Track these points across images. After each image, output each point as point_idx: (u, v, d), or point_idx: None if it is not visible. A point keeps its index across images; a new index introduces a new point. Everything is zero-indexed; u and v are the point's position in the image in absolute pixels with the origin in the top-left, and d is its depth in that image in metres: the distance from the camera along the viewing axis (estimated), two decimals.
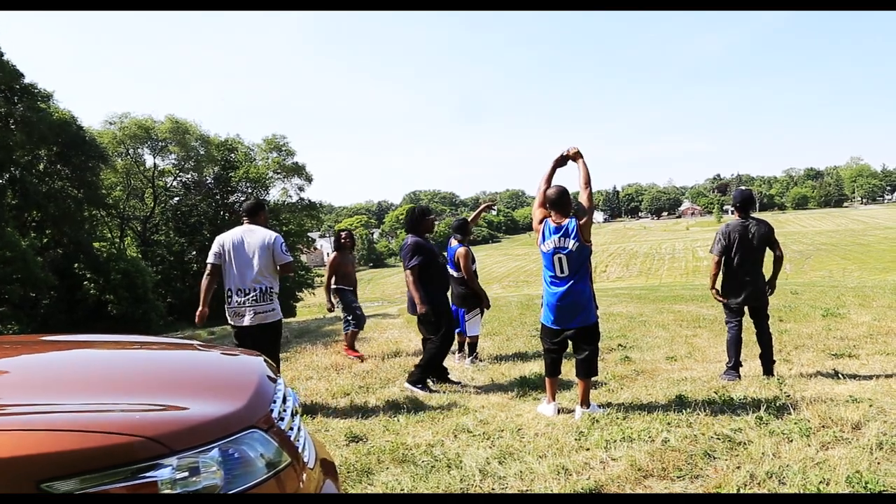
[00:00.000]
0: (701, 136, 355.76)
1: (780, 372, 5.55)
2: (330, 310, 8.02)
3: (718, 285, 5.64)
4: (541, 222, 4.58)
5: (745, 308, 5.52)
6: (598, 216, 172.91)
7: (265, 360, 2.41)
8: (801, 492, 3.02)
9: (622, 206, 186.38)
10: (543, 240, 4.51)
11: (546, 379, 4.74)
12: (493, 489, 3.30)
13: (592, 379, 4.83)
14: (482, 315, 6.97)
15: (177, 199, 40.86)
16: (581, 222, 4.42)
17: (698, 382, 5.31)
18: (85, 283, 26.90)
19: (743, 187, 5.70)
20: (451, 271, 6.98)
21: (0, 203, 22.32)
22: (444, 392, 5.46)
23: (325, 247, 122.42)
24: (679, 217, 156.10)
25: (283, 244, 5.05)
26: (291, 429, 2.03)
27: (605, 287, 28.08)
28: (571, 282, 4.44)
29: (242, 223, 5.15)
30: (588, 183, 4.56)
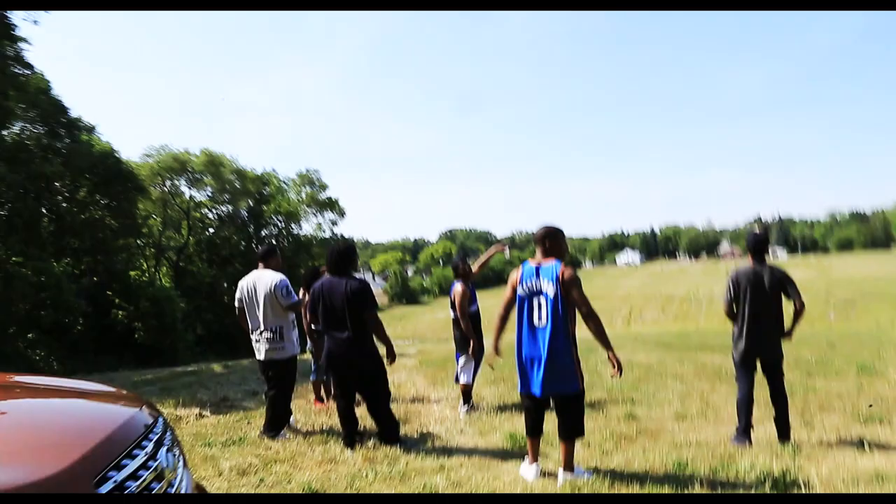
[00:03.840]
0: (742, 176, 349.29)
1: (799, 438, 5.00)
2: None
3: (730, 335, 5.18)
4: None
5: (757, 363, 5.02)
6: (635, 257, 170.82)
7: (143, 411, 2.11)
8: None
9: (659, 247, 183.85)
10: (521, 282, 4.12)
11: (527, 438, 4.31)
12: None
13: (584, 438, 4.41)
14: (479, 362, 6.55)
15: (211, 230, 41.48)
16: (570, 277, 3.97)
17: (704, 447, 4.79)
18: (114, 310, 27.19)
19: (756, 230, 5.23)
20: (451, 313, 6.66)
21: (37, 230, 22.77)
22: (425, 447, 5.05)
23: None
24: (719, 259, 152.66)
25: (285, 288, 5.48)
26: (149, 489, 1.73)
27: (636, 332, 27.26)
28: (550, 336, 3.93)
29: (258, 266, 5.67)
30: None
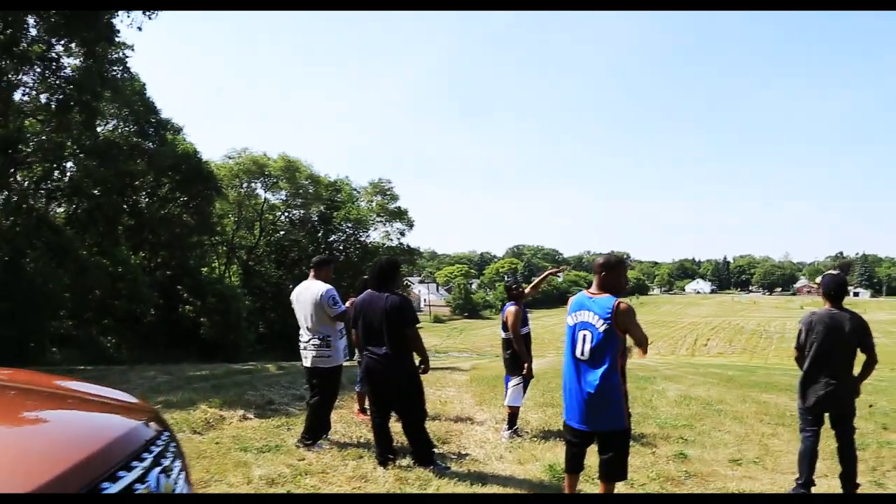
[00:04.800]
0: (824, 209, 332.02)
1: None
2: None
3: (797, 383, 4.80)
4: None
5: (825, 416, 4.63)
6: (705, 286, 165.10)
7: (145, 425, 2.02)
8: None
9: (732, 277, 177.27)
10: (570, 311, 3.94)
11: (565, 474, 4.10)
12: None
13: (627, 479, 4.15)
14: (526, 384, 6.37)
15: (282, 233, 42.56)
16: (625, 311, 3.72)
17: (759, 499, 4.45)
18: (183, 304, 28.19)
19: (834, 271, 4.84)
20: (501, 333, 6.56)
21: (115, 225, 23.85)
22: (460, 471, 4.89)
23: (424, 292, 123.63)
24: (794, 294, 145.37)
25: (331, 298, 5.50)
26: None
27: (699, 362, 26.19)
28: (596, 370, 3.74)
29: (309, 276, 5.74)
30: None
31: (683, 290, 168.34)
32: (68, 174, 24.00)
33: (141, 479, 1.77)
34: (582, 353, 3.81)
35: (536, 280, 7.17)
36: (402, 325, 4.77)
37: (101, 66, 19.09)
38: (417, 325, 4.95)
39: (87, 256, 22.58)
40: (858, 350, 4.51)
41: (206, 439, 5.72)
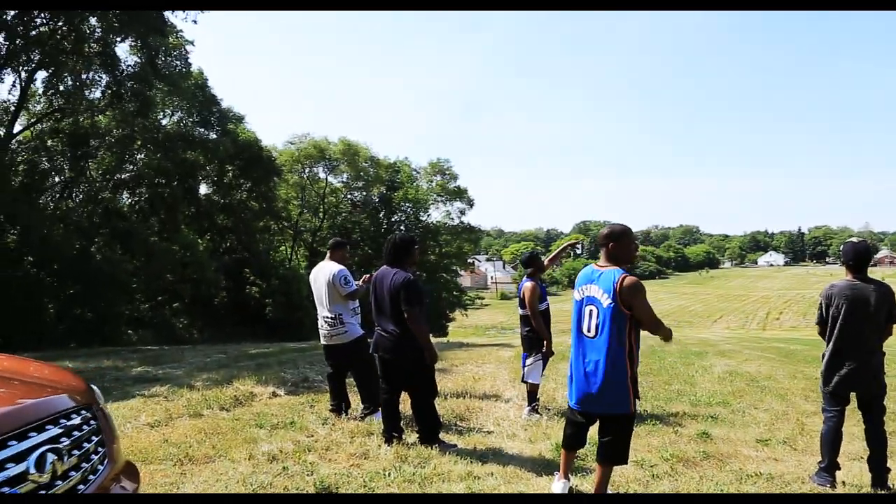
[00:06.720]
0: None
1: None
2: None
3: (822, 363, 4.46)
4: None
5: (852, 395, 4.29)
6: (778, 258, 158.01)
7: (42, 403, 2.00)
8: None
9: (807, 249, 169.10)
10: (578, 285, 3.76)
11: (562, 450, 3.96)
12: None
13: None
14: (545, 361, 6.21)
15: (344, 215, 43.23)
16: (629, 287, 3.47)
17: (776, 481, 4.17)
18: (248, 286, 29.14)
19: (855, 239, 4.46)
20: (519, 310, 6.41)
21: (174, 213, 24.73)
22: (465, 449, 4.81)
23: (490, 270, 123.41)
24: (874, 265, 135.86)
25: (343, 278, 5.71)
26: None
27: (767, 336, 25.09)
28: (602, 347, 3.52)
29: (326, 256, 6.01)
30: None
31: (756, 262, 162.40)
32: (137, 164, 25.12)
33: (17, 458, 1.73)
34: (588, 330, 3.63)
35: (553, 253, 7.02)
36: (403, 304, 4.68)
37: (154, 57, 19.76)
38: (419, 308, 4.70)
39: (157, 242, 23.63)
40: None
41: (229, 416, 5.87)
